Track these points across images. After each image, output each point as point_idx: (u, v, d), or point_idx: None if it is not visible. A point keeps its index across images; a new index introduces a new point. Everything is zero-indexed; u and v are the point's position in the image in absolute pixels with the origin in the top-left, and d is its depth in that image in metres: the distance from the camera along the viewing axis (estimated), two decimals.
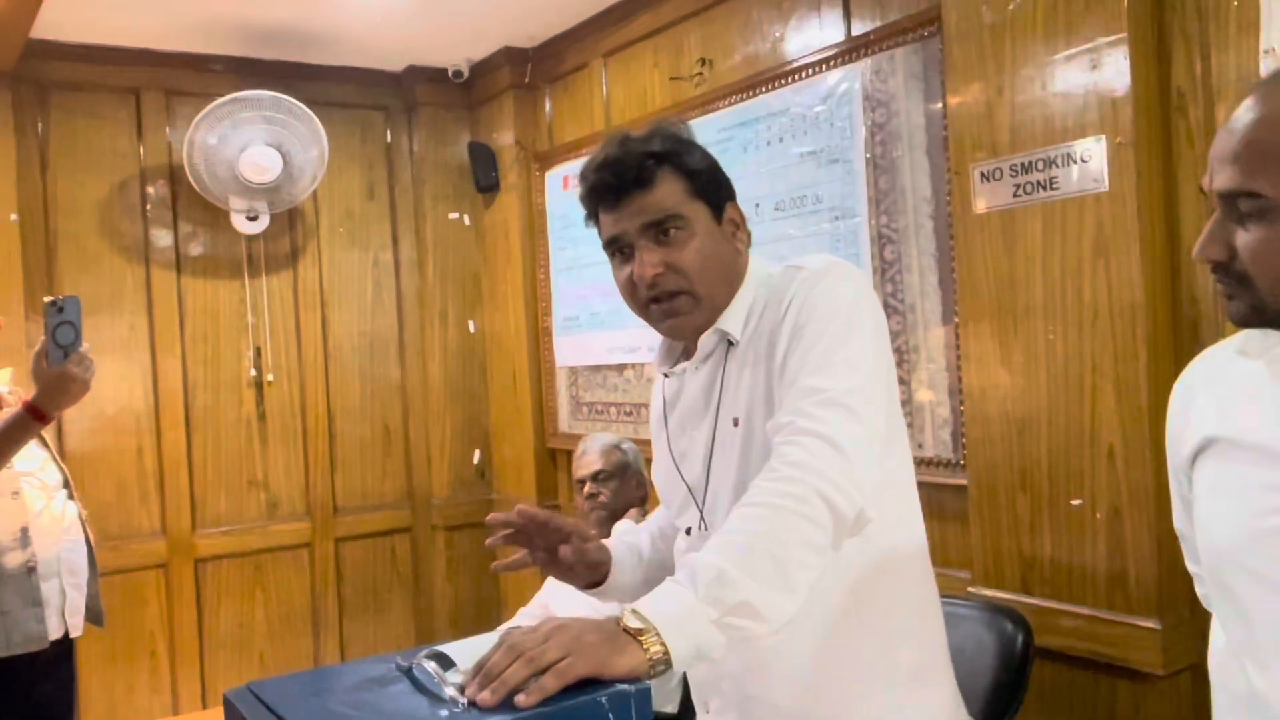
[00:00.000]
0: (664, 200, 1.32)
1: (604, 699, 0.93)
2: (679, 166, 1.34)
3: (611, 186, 1.33)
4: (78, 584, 2.51)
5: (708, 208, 1.35)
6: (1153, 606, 1.85)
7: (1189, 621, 1.87)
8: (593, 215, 1.40)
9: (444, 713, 0.92)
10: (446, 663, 1.00)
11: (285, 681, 1.04)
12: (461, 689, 0.94)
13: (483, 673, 0.94)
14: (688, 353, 1.42)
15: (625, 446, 2.73)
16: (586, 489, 2.69)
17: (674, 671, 1.01)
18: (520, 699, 0.91)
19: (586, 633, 0.97)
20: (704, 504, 1.37)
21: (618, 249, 1.37)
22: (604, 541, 1.49)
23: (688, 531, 1.40)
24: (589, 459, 2.70)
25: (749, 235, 1.41)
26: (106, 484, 3.49)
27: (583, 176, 1.38)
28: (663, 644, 0.99)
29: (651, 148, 1.33)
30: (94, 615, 2.59)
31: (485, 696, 0.91)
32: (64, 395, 2.31)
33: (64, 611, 2.48)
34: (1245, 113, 0.95)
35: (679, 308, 1.34)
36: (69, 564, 2.49)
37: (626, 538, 1.54)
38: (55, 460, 2.55)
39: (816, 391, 1.20)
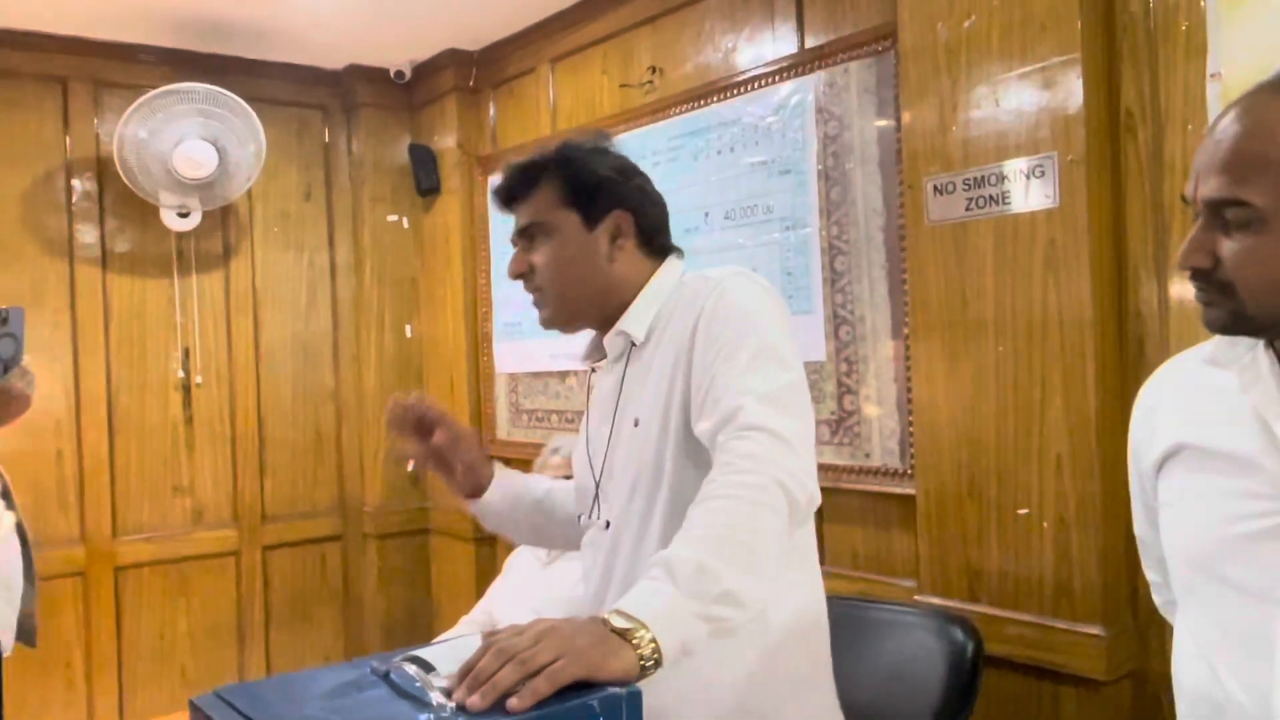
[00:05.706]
0: (532, 208, 1.46)
1: (595, 702, 0.91)
2: (557, 177, 1.45)
3: (500, 198, 1.51)
4: (10, 599, 2.32)
5: (579, 215, 1.44)
6: (1097, 614, 1.88)
7: (1132, 629, 1.92)
8: None
9: (427, 717, 0.89)
10: (426, 667, 0.97)
11: (256, 687, 1.00)
12: (448, 693, 0.91)
13: (471, 675, 0.91)
14: (602, 352, 1.52)
15: None
16: None
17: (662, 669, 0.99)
18: (512, 703, 0.88)
19: (578, 635, 0.95)
20: (597, 496, 1.47)
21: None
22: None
23: (579, 519, 1.52)
24: (556, 461, 2.65)
25: (637, 243, 1.48)
26: (22, 489, 3.27)
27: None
28: (654, 641, 0.98)
29: (534, 161, 1.47)
30: (25, 634, 2.38)
31: (475, 700, 0.89)
32: (3, 410, 2.17)
33: None
34: (1231, 124, 0.97)
35: (536, 303, 1.49)
36: None
37: (527, 477, 1.68)
38: None
39: (752, 391, 1.26)
